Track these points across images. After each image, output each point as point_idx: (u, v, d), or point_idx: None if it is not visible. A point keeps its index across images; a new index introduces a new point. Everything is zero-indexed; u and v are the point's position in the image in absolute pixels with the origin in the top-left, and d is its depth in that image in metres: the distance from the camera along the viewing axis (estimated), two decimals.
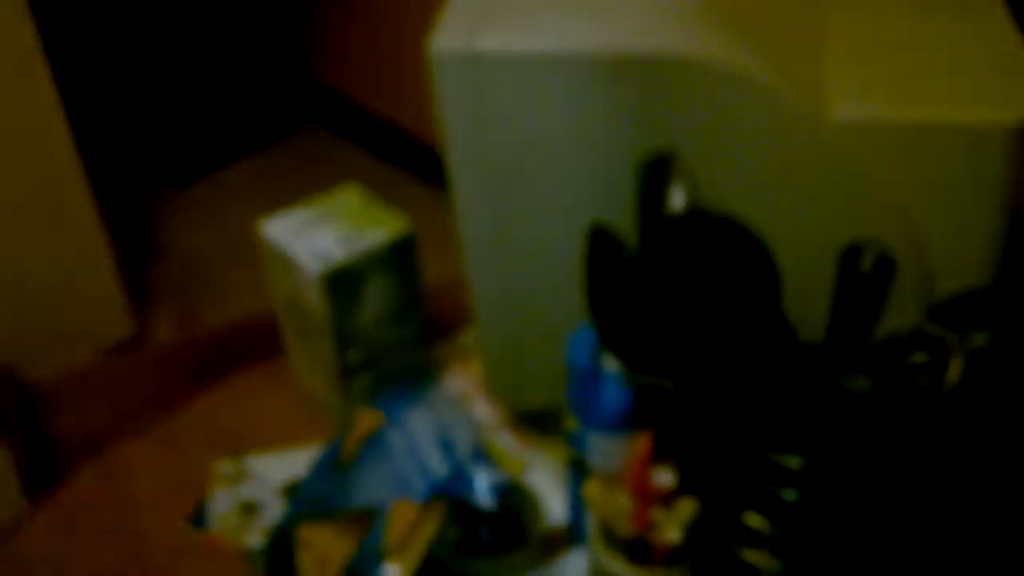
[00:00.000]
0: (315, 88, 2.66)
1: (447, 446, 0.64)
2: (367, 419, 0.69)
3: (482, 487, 0.60)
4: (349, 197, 0.84)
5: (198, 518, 0.75)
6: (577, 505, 0.70)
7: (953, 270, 0.64)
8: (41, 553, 0.75)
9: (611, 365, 0.66)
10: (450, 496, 0.61)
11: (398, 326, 0.83)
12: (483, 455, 0.65)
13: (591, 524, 0.66)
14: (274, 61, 2.56)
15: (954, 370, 0.53)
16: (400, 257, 0.81)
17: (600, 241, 0.61)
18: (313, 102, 2.67)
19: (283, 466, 0.79)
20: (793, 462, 0.56)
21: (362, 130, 2.57)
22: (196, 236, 2.28)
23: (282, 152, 2.57)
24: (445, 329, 0.93)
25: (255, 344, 0.95)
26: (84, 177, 1.73)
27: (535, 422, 0.83)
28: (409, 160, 2.43)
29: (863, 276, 0.57)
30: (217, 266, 2.15)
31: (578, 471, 0.68)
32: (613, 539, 0.63)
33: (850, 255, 0.57)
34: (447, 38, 0.66)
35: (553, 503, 0.76)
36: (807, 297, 0.59)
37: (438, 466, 0.62)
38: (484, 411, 0.83)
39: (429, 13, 2.18)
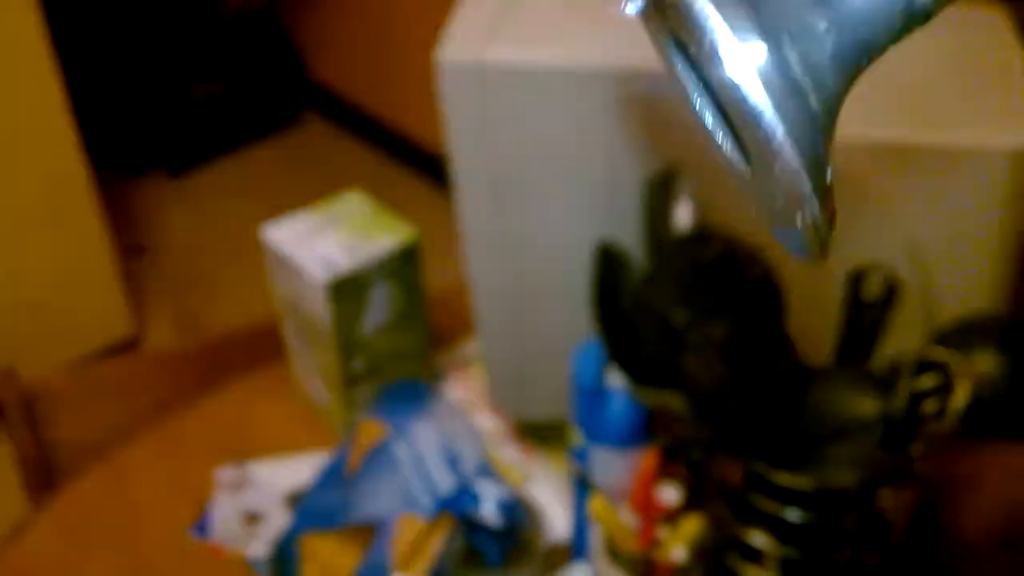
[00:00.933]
0: (310, 86, 2.65)
1: (453, 460, 0.64)
2: (371, 430, 0.69)
3: (489, 503, 0.61)
4: (354, 203, 0.84)
5: (201, 526, 0.75)
6: (580, 520, 0.70)
7: (961, 293, 0.64)
8: (43, 558, 0.75)
9: (616, 380, 0.66)
10: (456, 512, 0.61)
11: (402, 335, 0.83)
12: (488, 470, 0.65)
13: (595, 540, 0.66)
14: (270, 55, 2.55)
15: (960, 395, 0.53)
16: (406, 265, 0.81)
17: (607, 258, 0.61)
18: (309, 99, 2.66)
19: (285, 474, 0.79)
20: (798, 482, 0.56)
21: (359, 125, 2.57)
22: (190, 230, 2.26)
23: (279, 144, 2.56)
24: (445, 338, 0.93)
25: (257, 349, 0.95)
26: (87, 172, 1.72)
27: (536, 433, 0.83)
28: (406, 156, 2.43)
29: (869, 301, 0.57)
30: (214, 263, 2.14)
31: (582, 486, 0.68)
32: (618, 556, 0.64)
33: (856, 279, 0.57)
34: (455, 49, 0.66)
35: (555, 516, 0.76)
36: (812, 319, 0.59)
37: (444, 481, 0.62)
38: (486, 422, 0.83)
39: (425, 13, 2.18)
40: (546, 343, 0.75)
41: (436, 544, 0.61)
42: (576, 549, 0.73)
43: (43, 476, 0.89)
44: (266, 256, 0.81)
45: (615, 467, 0.67)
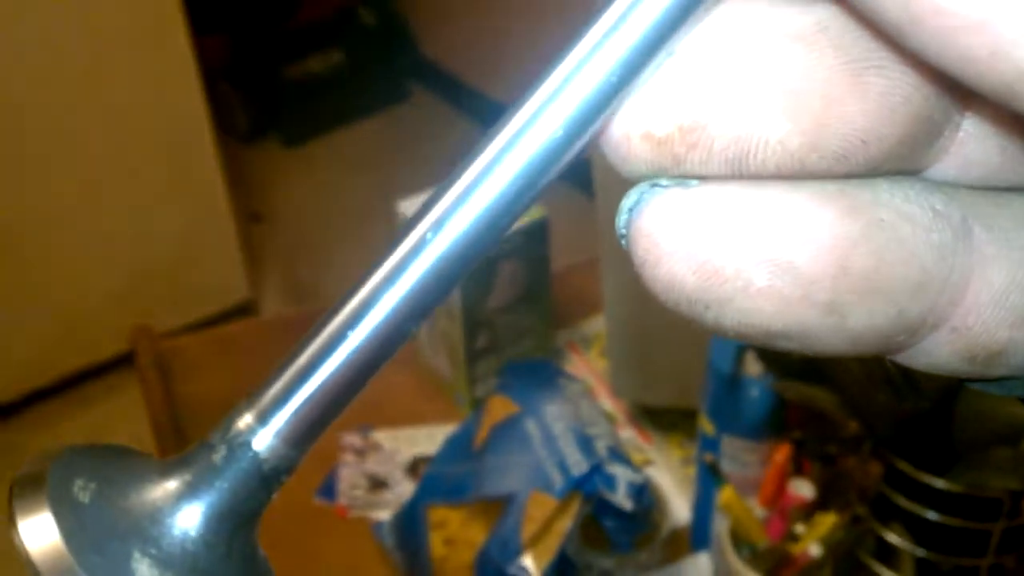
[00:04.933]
0: (420, 63, 2.68)
1: (585, 442, 0.63)
2: (501, 406, 0.70)
3: (622, 487, 0.60)
4: None
5: (327, 489, 0.77)
6: (704, 509, 0.69)
7: None
8: None
9: (754, 370, 0.65)
10: (589, 493, 0.61)
11: (525, 313, 0.84)
12: (620, 453, 0.65)
13: (720, 530, 0.65)
14: (383, 32, 2.57)
15: None
16: (533, 243, 0.81)
17: None
18: (419, 75, 2.69)
19: (408, 442, 0.80)
20: (948, 485, 0.55)
21: (467, 102, 2.58)
22: (302, 200, 2.31)
23: (389, 118, 2.59)
24: (564, 316, 0.93)
25: None
26: (213, 139, 1.76)
27: (652, 417, 0.82)
28: None
29: None
30: (325, 233, 2.18)
31: (708, 475, 0.67)
32: (744, 547, 0.62)
33: None
34: None
35: (673, 502, 0.75)
36: None
37: (577, 461, 0.62)
38: (607, 405, 0.83)
39: None
40: (674, 331, 0.74)
41: (566, 524, 0.60)
42: (696, 537, 0.72)
43: (173, 430, 0.92)
44: (398, 229, 0.82)
45: (746, 458, 0.66)
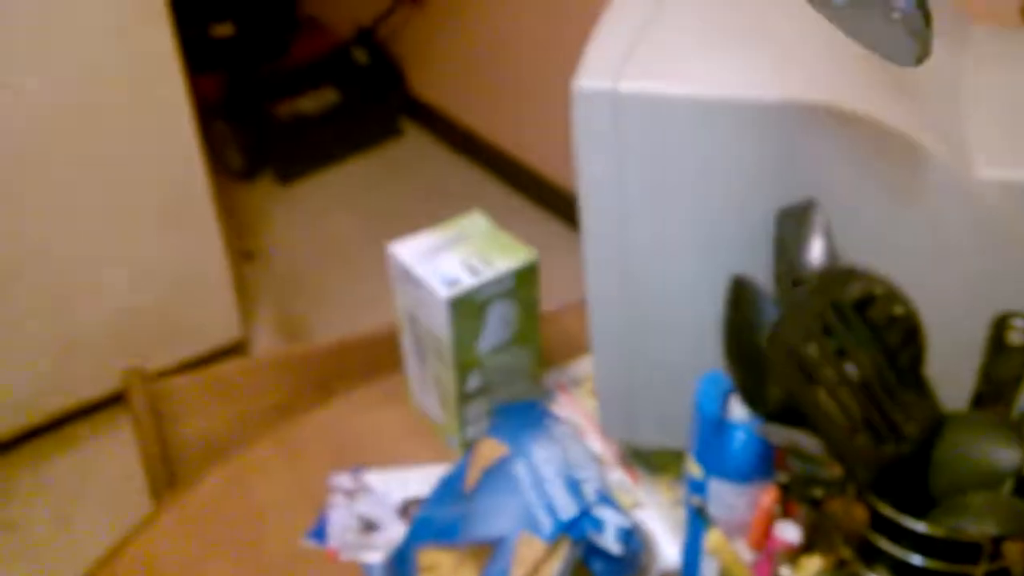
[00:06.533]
0: (410, 101, 2.71)
1: (574, 486, 0.64)
2: (491, 448, 0.70)
3: (610, 530, 0.61)
4: (475, 224, 0.86)
5: (317, 531, 0.77)
6: (692, 552, 0.69)
7: None
8: (166, 554, 0.78)
9: (739, 413, 0.65)
10: (577, 537, 0.62)
11: (516, 354, 0.84)
12: (608, 497, 0.66)
13: (709, 573, 0.65)
14: (374, 71, 2.60)
15: None
16: (524, 286, 0.82)
17: (741, 292, 0.61)
18: (410, 113, 2.71)
19: (399, 484, 0.81)
20: (930, 528, 0.55)
21: (456, 139, 2.61)
22: (294, 237, 2.32)
23: (381, 155, 2.61)
24: (552, 357, 0.94)
25: (371, 358, 0.97)
26: (207, 178, 1.77)
27: (642, 458, 0.83)
28: (501, 170, 2.45)
29: (1012, 346, 0.55)
30: (317, 270, 2.20)
31: (697, 518, 0.68)
32: None
33: (1000, 324, 0.56)
34: (592, 78, 0.67)
35: (662, 545, 0.76)
36: (951, 362, 0.58)
37: (567, 506, 0.62)
38: (596, 446, 0.83)
39: (518, 33, 2.21)
40: (662, 372, 0.75)
41: (555, 567, 0.61)
42: None
43: (165, 471, 0.93)
44: (390, 271, 0.83)
45: (733, 501, 0.66)
